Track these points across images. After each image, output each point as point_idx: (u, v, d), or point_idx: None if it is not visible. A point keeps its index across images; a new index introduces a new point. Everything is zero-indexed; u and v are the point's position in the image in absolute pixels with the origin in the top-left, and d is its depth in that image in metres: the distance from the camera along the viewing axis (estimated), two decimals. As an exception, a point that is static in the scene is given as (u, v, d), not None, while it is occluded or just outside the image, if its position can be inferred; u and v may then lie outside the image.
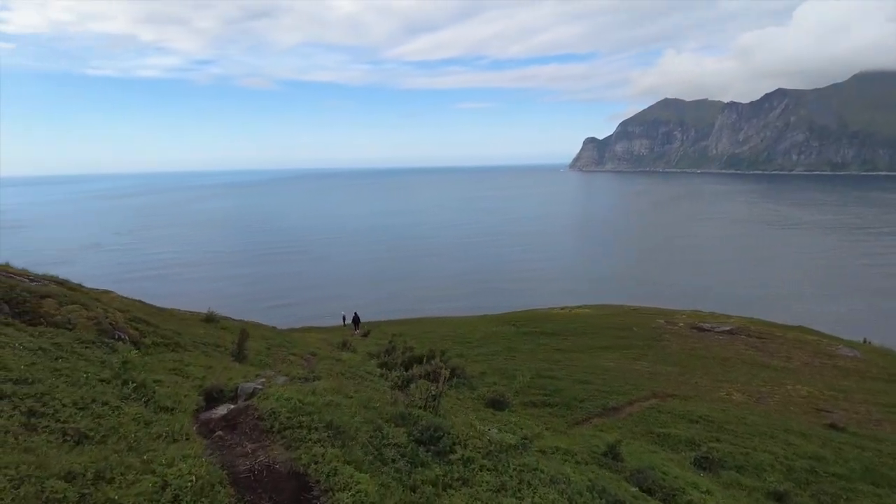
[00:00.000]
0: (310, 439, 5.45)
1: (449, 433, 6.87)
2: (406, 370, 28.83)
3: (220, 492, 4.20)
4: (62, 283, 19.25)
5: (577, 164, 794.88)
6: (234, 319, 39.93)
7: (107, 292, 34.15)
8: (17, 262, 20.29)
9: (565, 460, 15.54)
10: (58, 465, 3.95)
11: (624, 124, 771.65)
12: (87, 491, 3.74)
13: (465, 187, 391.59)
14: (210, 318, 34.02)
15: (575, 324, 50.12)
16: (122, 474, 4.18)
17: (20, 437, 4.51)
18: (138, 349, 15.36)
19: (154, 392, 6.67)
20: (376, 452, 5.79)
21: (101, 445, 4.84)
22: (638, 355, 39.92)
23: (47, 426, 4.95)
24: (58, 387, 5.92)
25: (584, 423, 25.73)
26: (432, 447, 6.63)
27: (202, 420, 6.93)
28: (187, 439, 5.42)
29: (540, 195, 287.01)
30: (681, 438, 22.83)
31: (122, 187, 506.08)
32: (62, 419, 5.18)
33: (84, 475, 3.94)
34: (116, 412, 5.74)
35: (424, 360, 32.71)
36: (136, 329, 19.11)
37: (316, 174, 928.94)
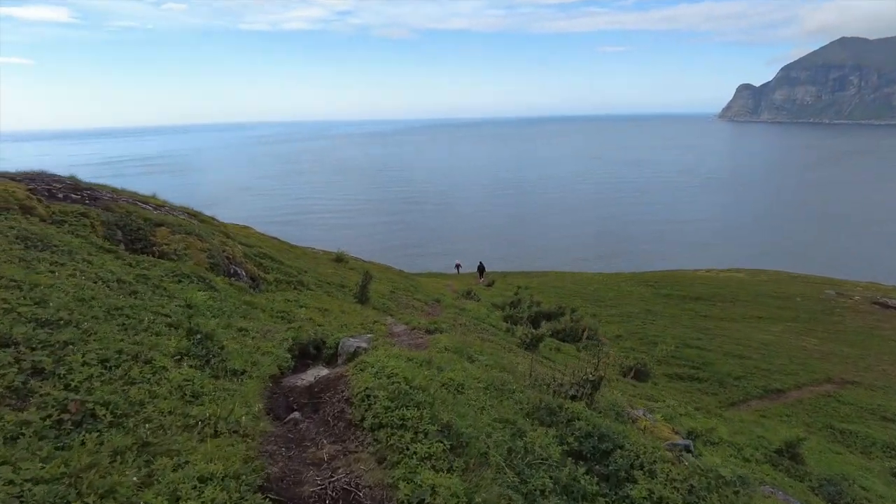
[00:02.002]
0: (415, 453, 3.45)
1: (622, 446, 4.56)
2: (533, 325, 26.75)
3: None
4: (194, 214, 19.30)
5: (728, 113, 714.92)
6: (363, 261, 40.24)
7: (245, 228, 35.55)
8: (182, 201, 20.95)
9: (731, 456, 12.58)
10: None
11: (786, 69, 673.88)
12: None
13: (602, 137, 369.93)
14: (340, 258, 34.28)
15: (725, 289, 44.51)
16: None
17: (-20, 417, 2.94)
18: (255, 285, 14.66)
19: (223, 348, 5.06)
20: (517, 480, 3.66)
21: (101, 437, 3.17)
22: (804, 330, 34.25)
23: (46, 395, 3.39)
24: (95, 333, 4.44)
25: (740, 405, 22.01)
26: (597, 466, 4.39)
27: (284, 387, 5.25)
28: (235, 432, 3.63)
29: (685, 147, 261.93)
30: (874, 440, 18.40)
31: (270, 135, 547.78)
32: (74, 384, 3.62)
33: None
34: (158, 376, 4.13)
35: (553, 317, 30.36)
36: (260, 265, 18.71)
37: (451, 123, 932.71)
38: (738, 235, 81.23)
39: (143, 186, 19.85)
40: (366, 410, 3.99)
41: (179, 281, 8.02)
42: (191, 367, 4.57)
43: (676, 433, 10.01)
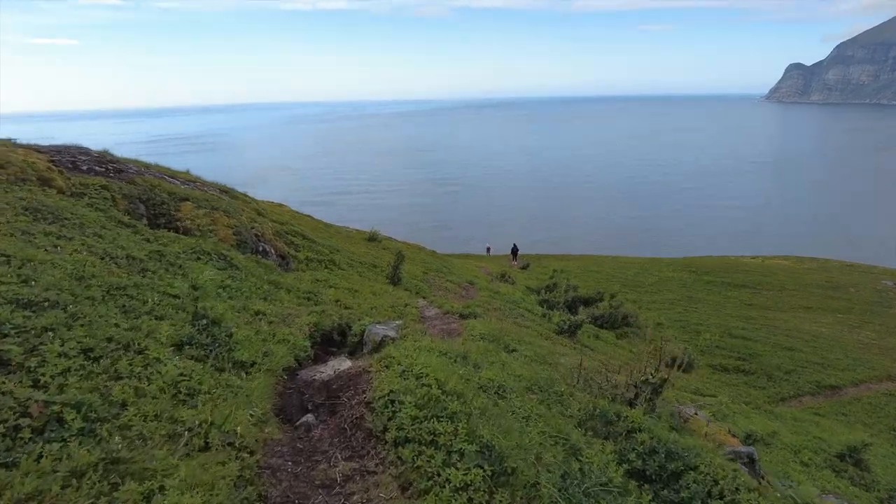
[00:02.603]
0: (448, 481, 2.75)
1: (695, 467, 3.78)
2: (570, 311, 25.81)
3: None
4: (226, 190, 18.98)
5: (776, 94, 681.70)
6: (396, 240, 39.75)
7: (279, 205, 35.40)
8: (220, 180, 20.96)
9: (789, 460, 11.58)
10: None
11: (841, 47, 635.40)
12: None
13: (643, 119, 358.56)
14: (373, 238, 33.89)
15: (770, 277, 42.48)
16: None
17: None
18: (285, 264, 14.20)
19: (231, 335, 4.45)
20: (574, 515, 2.94)
21: (64, 450, 2.57)
22: (858, 322, 32.32)
23: (6, 394, 2.81)
24: (84, 316, 3.87)
25: (791, 401, 20.74)
26: (664, 491, 3.63)
27: (300, 382, 4.62)
28: (230, 444, 3.00)
29: (729, 129, 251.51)
30: (944, 445, 17.01)
31: (307, 115, 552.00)
32: (44, 380, 3.04)
33: None
34: (150, 370, 3.53)
35: (591, 302, 29.34)
36: (292, 243, 18.30)
37: (488, 104, 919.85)
38: (783, 222, 77.68)
39: (183, 165, 19.80)
40: (389, 419, 3.31)
41: (198, 258, 7.50)
42: (192, 358, 3.97)
43: (733, 435, 9.11)
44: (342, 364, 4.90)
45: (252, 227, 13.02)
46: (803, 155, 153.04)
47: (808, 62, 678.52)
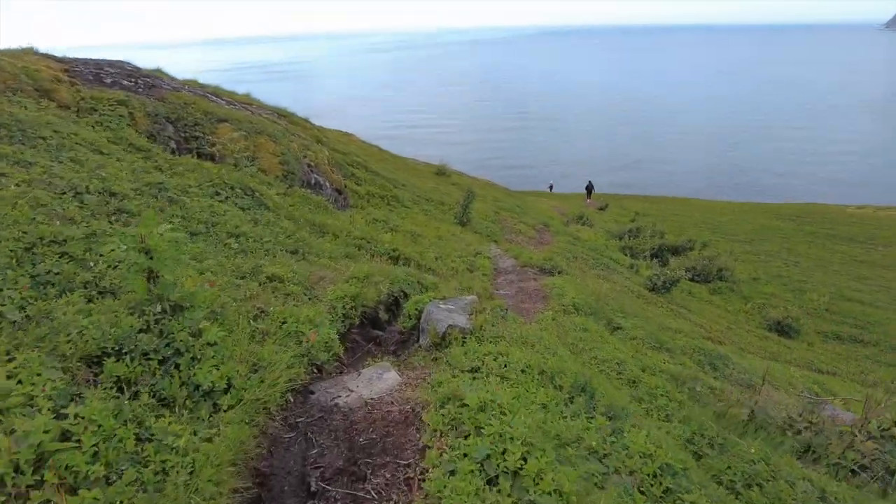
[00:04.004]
0: None
1: None
2: (657, 260, 23.18)
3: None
4: (285, 115, 17.38)
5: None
6: (466, 175, 37.46)
7: (346, 135, 33.79)
8: (298, 110, 19.63)
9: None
10: None
11: None
12: None
13: (739, 50, 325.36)
14: (441, 172, 31.85)
15: (886, 230, 37.22)
16: None
17: None
18: (342, 199, 12.52)
19: (197, 335, 2.65)
20: None
21: None
22: None
23: None
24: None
25: (923, 382, 17.66)
26: None
27: (313, 410, 2.83)
28: None
29: (840, 63, 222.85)
30: None
31: (383, 42, 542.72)
32: None
33: None
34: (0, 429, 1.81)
35: (680, 252, 26.38)
36: (352, 175, 16.61)
37: (568, 31, 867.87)
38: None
39: (262, 93, 18.82)
40: None
41: (216, 194, 5.80)
42: (113, 384, 2.22)
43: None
44: (382, 378, 3.06)
45: (305, 156, 11.29)
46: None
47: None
